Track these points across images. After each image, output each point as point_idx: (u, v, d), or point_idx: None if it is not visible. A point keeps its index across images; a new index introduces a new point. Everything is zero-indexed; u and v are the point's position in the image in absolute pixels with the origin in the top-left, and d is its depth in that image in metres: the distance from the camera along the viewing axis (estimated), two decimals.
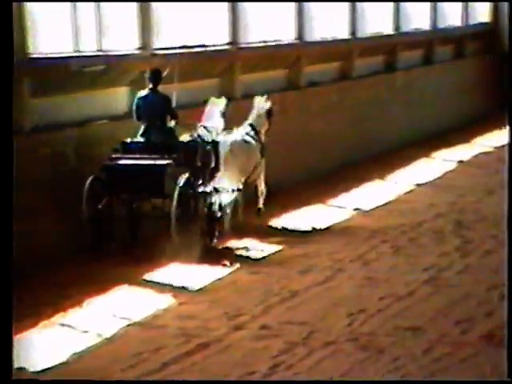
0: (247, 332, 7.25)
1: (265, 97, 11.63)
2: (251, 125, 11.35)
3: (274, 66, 13.78)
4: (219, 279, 8.84)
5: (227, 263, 9.33)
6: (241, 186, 10.75)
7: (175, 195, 9.31)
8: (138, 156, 9.71)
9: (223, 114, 10.84)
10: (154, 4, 11.06)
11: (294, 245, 10.16)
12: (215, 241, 10.04)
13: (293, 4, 14.08)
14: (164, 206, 9.65)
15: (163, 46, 11.26)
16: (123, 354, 6.71)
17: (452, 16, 20.50)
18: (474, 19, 21.58)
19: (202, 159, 10.08)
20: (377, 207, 12.13)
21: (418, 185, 13.62)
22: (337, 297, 8.14)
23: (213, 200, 10.17)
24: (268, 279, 8.80)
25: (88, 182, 9.30)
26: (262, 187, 11.31)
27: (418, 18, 18.81)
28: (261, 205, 11.31)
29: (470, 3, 21.27)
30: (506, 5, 22.14)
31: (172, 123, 10.21)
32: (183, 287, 8.46)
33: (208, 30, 12.23)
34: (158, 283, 8.64)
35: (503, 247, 9.44)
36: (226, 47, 12.55)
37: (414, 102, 18.23)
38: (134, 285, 8.58)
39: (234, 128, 10.99)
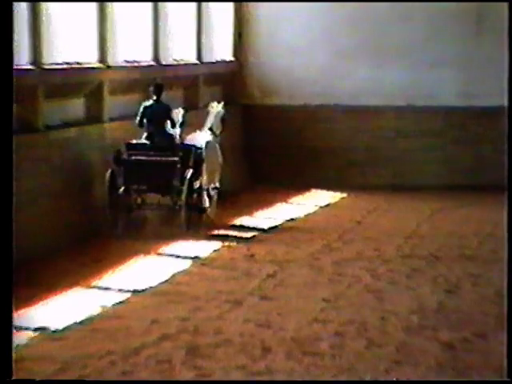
0: None
1: (221, 103, 14.25)
2: (210, 129, 14.00)
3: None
4: None
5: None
6: (218, 185, 14.03)
7: (185, 187, 12.89)
8: (151, 154, 13.08)
9: (181, 122, 13.62)
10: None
11: None
12: (201, 229, 13.45)
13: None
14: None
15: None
16: None
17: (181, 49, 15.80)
18: (209, 55, 16.46)
19: (195, 159, 13.32)
20: (71, 326, 9.21)
21: (134, 292, 10.68)
22: None
23: (200, 195, 13.66)
24: None
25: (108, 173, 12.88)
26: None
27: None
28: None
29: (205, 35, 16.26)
30: (255, 41, 16.28)
31: (172, 130, 13.46)
32: None
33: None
34: None
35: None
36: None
37: None
38: None
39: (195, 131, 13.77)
